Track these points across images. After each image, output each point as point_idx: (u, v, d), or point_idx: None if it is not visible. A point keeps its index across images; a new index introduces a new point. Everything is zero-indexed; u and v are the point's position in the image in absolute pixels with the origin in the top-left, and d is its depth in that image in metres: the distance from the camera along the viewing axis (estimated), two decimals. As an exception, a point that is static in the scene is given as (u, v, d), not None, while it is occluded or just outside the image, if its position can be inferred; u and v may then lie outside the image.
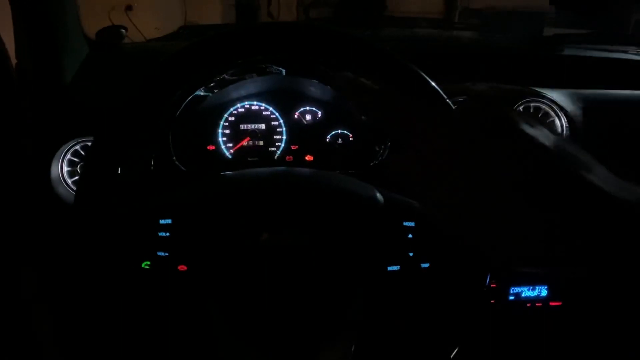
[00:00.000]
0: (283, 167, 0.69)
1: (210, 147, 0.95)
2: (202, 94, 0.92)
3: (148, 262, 0.59)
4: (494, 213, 0.38)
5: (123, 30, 1.14)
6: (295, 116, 0.99)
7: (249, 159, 0.97)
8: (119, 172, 0.77)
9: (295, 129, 0.98)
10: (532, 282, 0.96)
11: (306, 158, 0.99)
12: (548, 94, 0.99)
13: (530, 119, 0.41)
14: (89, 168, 0.57)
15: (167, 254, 0.59)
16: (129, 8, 2.66)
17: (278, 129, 0.98)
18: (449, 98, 0.92)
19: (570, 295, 0.97)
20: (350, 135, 0.98)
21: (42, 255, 0.89)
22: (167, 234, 0.59)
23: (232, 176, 0.65)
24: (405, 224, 0.63)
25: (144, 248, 0.58)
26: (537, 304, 0.96)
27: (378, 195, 0.64)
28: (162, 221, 0.59)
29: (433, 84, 0.62)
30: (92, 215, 0.56)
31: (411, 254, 0.63)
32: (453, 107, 0.58)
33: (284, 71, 0.94)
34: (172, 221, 0.59)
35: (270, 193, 0.62)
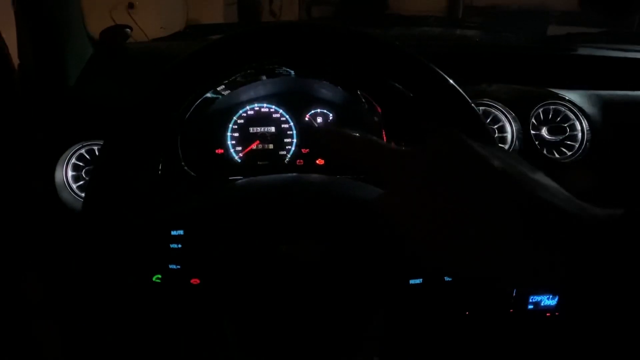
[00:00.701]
0: (295, 174, 0.66)
1: (219, 151, 0.92)
2: (211, 96, 0.89)
3: (159, 276, 0.56)
4: (478, 246, 0.38)
5: (128, 29, 1.10)
6: (306, 119, 0.96)
7: (258, 162, 0.94)
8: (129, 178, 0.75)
9: (306, 132, 0.95)
10: (552, 291, 0.93)
11: (317, 162, 0.96)
12: (566, 95, 0.96)
13: (484, 146, 0.42)
14: (98, 173, 0.54)
15: (179, 266, 0.56)
16: (130, 6, 2.64)
17: (288, 132, 0.95)
18: (473, 100, 0.90)
19: (590, 304, 0.94)
20: None
21: (46, 261, 0.86)
22: (179, 245, 0.56)
23: (244, 184, 0.62)
24: None
25: (155, 261, 0.55)
26: (556, 313, 0.93)
27: None
28: (173, 232, 0.56)
29: (452, 82, 0.60)
30: (101, 225, 0.53)
31: None
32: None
33: (292, 72, 0.92)
34: (184, 232, 0.56)
35: (285, 202, 0.59)
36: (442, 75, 0.60)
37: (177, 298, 0.57)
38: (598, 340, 0.99)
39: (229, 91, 0.90)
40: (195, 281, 0.56)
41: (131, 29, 1.11)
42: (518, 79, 1.01)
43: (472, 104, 0.60)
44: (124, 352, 0.56)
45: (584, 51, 1.20)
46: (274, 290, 0.57)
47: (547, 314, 0.92)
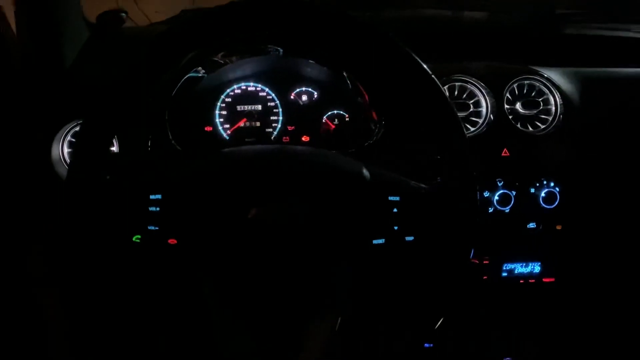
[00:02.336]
0: (271, 145, 0.70)
1: (208, 128, 0.97)
2: (198, 75, 0.93)
3: (139, 236, 0.61)
4: None
5: (123, 14, 1.15)
6: (292, 97, 1.00)
7: (246, 139, 0.98)
8: (111, 149, 0.80)
9: (292, 109, 0.99)
10: (526, 259, 0.97)
11: (303, 138, 1.00)
12: (545, 72, 0.99)
13: None
14: (77, 146, 0.59)
15: (157, 228, 0.61)
16: (138, -4, 2.68)
17: (274, 110, 0.99)
18: (447, 76, 0.94)
19: (564, 271, 0.98)
20: (347, 115, 0.99)
21: (46, 233, 0.91)
22: (157, 208, 0.61)
23: (218, 153, 0.67)
24: (391, 198, 0.65)
25: (135, 222, 0.60)
26: (530, 280, 0.97)
27: (365, 171, 0.66)
28: (152, 196, 0.61)
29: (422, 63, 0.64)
30: (82, 190, 0.58)
31: (396, 228, 0.64)
32: None
33: (281, 51, 0.95)
34: (161, 196, 0.61)
35: (256, 169, 0.63)
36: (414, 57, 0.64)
37: (156, 257, 0.62)
38: (578, 306, 1.04)
39: (216, 70, 0.94)
40: (172, 241, 0.61)
41: (126, 13, 1.15)
42: (505, 57, 1.04)
43: (437, 81, 0.64)
44: (109, 308, 0.61)
45: (564, 30, 1.22)
46: (246, 251, 0.62)
47: (521, 281, 0.96)
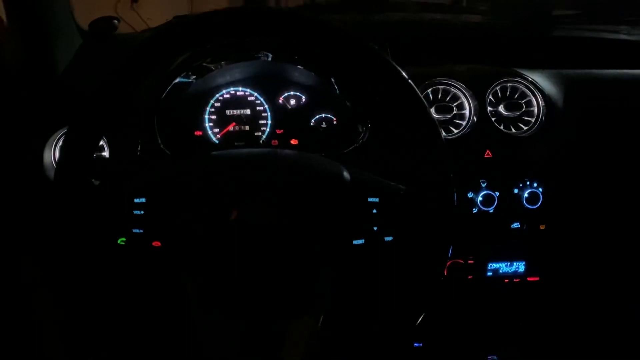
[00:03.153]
0: (253, 149, 0.72)
1: (198, 133, 0.99)
2: (187, 80, 0.95)
3: (124, 239, 0.62)
4: None
5: (116, 21, 1.17)
6: (280, 101, 1.01)
7: (235, 143, 1.00)
8: (102, 155, 0.81)
9: (280, 113, 1.01)
10: (510, 259, 0.98)
11: (291, 142, 1.01)
12: (528, 74, 1.01)
13: None
14: (62, 151, 0.61)
15: (141, 230, 0.62)
16: (134, 0, 2.71)
17: (263, 114, 1.01)
18: (430, 79, 0.96)
19: (548, 270, 1.00)
20: (334, 118, 1.01)
21: (39, 239, 0.93)
22: (142, 212, 0.63)
23: (197, 157, 0.69)
24: (370, 199, 0.66)
25: (120, 225, 0.62)
26: (514, 280, 0.98)
27: (345, 173, 0.67)
28: (136, 200, 0.63)
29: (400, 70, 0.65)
30: (67, 194, 0.60)
31: (375, 228, 0.66)
32: None
33: (270, 56, 0.97)
34: (146, 200, 0.63)
35: (238, 171, 0.65)
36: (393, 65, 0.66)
37: (140, 259, 0.64)
38: (563, 304, 1.05)
39: (205, 75, 0.96)
40: (156, 244, 0.63)
41: (119, 20, 1.17)
42: (486, 59, 1.06)
43: (413, 86, 0.66)
44: (96, 310, 0.63)
45: (547, 32, 1.24)
46: (229, 252, 0.64)
47: (506, 280, 0.98)
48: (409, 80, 0.66)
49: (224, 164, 0.67)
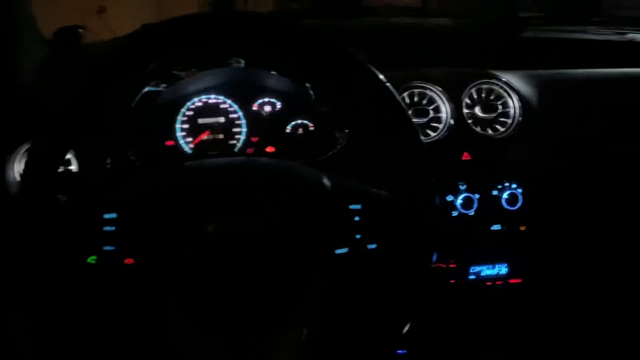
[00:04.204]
0: (229, 157, 0.70)
1: (169, 143, 0.95)
2: (157, 89, 0.92)
3: (94, 257, 0.59)
4: None
5: (81, 30, 1.13)
6: (254, 108, 0.99)
7: (209, 152, 0.97)
8: (70, 169, 0.78)
9: (255, 120, 0.98)
10: (492, 261, 0.98)
11: (267, 149, 0.99)
12: (503, 76, 1.01)
13: None
14: (26, 166, 0.58)
15: (113, 248, 0.59)
16: (101, 10, 2.66)
17: (237, 122, 0.98)
18: (406, 83, 0.95)
19: (530, 272, 0.99)
20: (311, 124, 0.99)
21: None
22: (113, 228, 0.59)
23: (173, 168, 0.66)
24: (352, 206, 0.65)
25: (89, 243, 0.59)
26: (497, 282, 0.98)
27: (325, 179, 0.65)
28: (107, 215, 0.59)
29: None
30: (32, 212, 0.56)
31: (358, 236, 0.64)
32: None
33: (243, 63, 0.95)
34: (117, 215, 0.60)
35: (213, 182, 0.62)
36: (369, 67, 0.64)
37: (113, 278, 0.60)
38: (546, 306, 1.05)
39: (175, 83, 0.93)
40: (129, 261, 0.60)
41: (84, 28, 1.14)
42: (460, 62, 1.06)
43: (392, 89, 0.65)
44: (65, 334, 0.60)
45: (527, 33, 1.25)
46: (208, 267, 0.61)
47: (488, 283, 0.97)
48: (388, 84, 0.65)
49: (199, 175, 0.65)
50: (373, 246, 0.65)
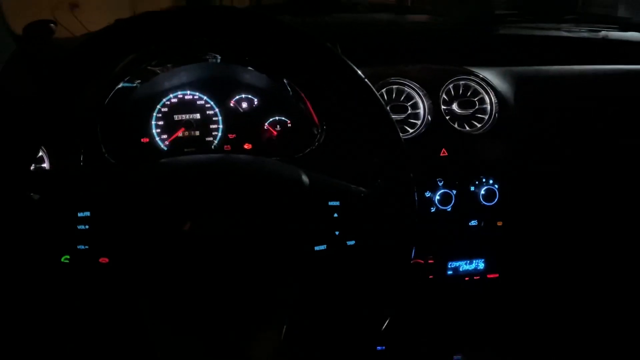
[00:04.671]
0: (205, 155, 0.68)
1: (144, 140, 0.94)
2: (131, 85, 0.90)
3: (67, 256, 0.58)
4: None
5: (52, 24, 1.10)
6: (231, 104, 0.98)
7: (185, 149, 0.96)
8: (42, 166, 0.76)
9: (232, 117, 0.97)
10: (470, 256, 0.98)
11: (245, 146, 0.98)
12: (480, 72, 1.01)
13: None
14: None
15: (87, 247, 0.58)
16: (73, 6, 2.60)
17: (214, 118, 0.97)
18: (384, 79, 0.95)
19: (507, 267, 1.00)
20: (288, 121, 0.98)
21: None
22: (87, 226, 0.58)
23: (148, 165, 0.65)
24: (331, 203, 0.64)
25: (63, 242, 0.57)
26: (475, 277, 0.98)
27: (303, 176, 0.65)
28: (80, 214, 0.58)
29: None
30: (3, 210, 0.55)
31: (337, 233, 0.64)
32: None
33: (219, 58, 0.94)
34: (90, 213, 0.58)
35: (189, 180, 0.61)
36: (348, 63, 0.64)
37: (87, 277, 0.59)
38: (522, 300, 1.06)
39: (150, 79, 0.91)
40: (104, 260, 0.59)
41: (55, 24, 1.11)
42: (437, 59, 1.06)
43: (370, 86, 0.64)
44: (38, 335, 0.58)
45: (503, 30, 1.26)
46: (184, 266, 0.60)
47: (466, 278, 0.98)
48: (365, 80, 0.64)
49: (175, 172, 0.63)
50: (352, 242, 0.65)
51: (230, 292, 0.62)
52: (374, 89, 0.65)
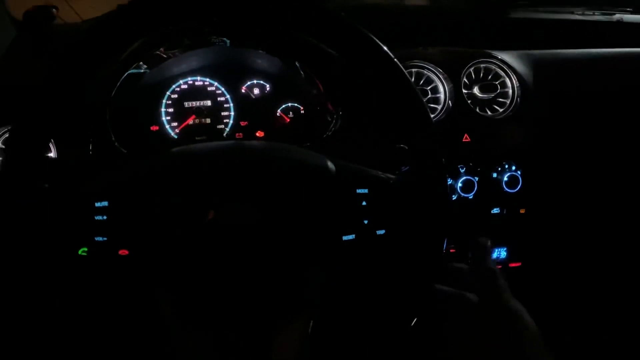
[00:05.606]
0: (228, 141, 0.65)
1: (154, 128, 0.90)
2: (140, 71, 0.87)
3: (85, 249, 0.54)
4: None
5: (54, 9, 1.06)
6: (243, 90, 0.95)
7: (196, 137, 0.92)
8: (49, 155, 0.73)
9: (244, 104, 0.94)
10: (492, 245, 0.95)
11: (257, 134, 0.95)
12: (499, 55, 0.98)
13: None
14: (7, 154, 0.53)
15: (105, 238, 0.54)
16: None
17: (225, 105, 0.94)
18: (403, 62, 0.91)
19: (530, 255, 0.98)
20: (301, 107, 0.95)
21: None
22: (105, 217, 0.55)
23: (169, 152, 0.61)
24: (359, 191, 0.61)
25: (80, 234, 0.54)
26: (497, 266, 0.95)
27: (329, 163, 0.62)
28: (97, 204, 0.55)
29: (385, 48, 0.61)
30: (16, 202, 0.51)
31: (366, 222, 0.61)
32: None
33: (228, 42, 0.90)
34: (108, 203, 0.55)
35: (213, 167, 0.58)
36: (376, 41, 0.61)
37: (106, 270, 0.56)
38: (545, 289, 1.04)
39: (159, 64, 0.88)
40: (123, 252, 0.55)
41: (57, 8, 1.07)
42: (455, 42, 1.03)
43: (404, 71, 0.61)
44: (57, 329, 0.55)
45: (517, 14, 1.23)
46: (207, 257, 0.57)
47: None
48: (396, 60, 0.61)
49: (197, 159, 0.60)
50: (382, 232, 0.62)
51: (255, 285, 0.59)
52: (405, 72, 0.61)
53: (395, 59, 0.61)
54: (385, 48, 0.61)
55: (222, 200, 0.57)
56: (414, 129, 0.62)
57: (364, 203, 0.61)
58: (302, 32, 0.61)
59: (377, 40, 0.61)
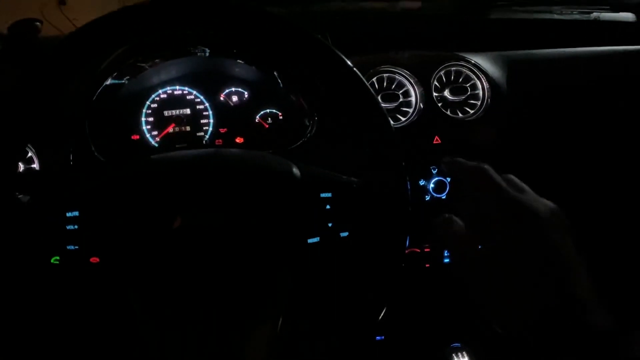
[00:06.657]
0: (193, 150, 0.68)
1: (135, 137, 0.93)
2: (119, 81, 0.89)
3: (57, 257, 0.57)
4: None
5: (38, 23, 1.09)
6: (221, 98, 0.97)
7: (176, 145, 0.95)
8: (32, 167, 0.75)
9: (223, 111, 0.96)
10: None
11: (236, 140, 0.97)
12: (472, 58, 1.00)
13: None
14: None
15: (77, 247, 0.57)
16: (62, 2, 2.57)
17: (204, 113, 0.96)
18: (374, 67, 0.94)
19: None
20: (280, 113, 0.98)
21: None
22: (76, 226, 0.57)
23: (136, 162, 0.64)
24: (323, 195, 0.63)
25: (52, 243, 0.57)
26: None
27: (294, 169, 0.64)
28: (69, 214, 0.57)
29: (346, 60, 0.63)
30: None
31: (330, 224, 0.63)
32: None
33: (207, 51, 0.93)
34: (79, 213, 0.57)
35: (178, 175, 0.61)
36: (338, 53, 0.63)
37: (78, 278, 0.58)
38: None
39: (138, 75, 0.90)
40: (94, 260, 0.58)
41: (41, 22, 1.10)
42: (430, 45, 1.05)
43: (359, 74, 0.64)
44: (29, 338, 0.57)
45: (495, 15, 1.24)
46: (174, 263, 0.59)
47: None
48: (354, 69, 0.63)
49: (163, 168, 0.63)
50: (345, 234, 0.64)
51: (223, 288, 0.61)
52: (364, 79, 0.64)
53: (353, 68, 0.63)
54: (343, 57, 0.63)
55: (187, 206, 0.59)
56: (373, 135, 0.64)
57: (328, 207, 0.63)
58: (263, 43, 0.64)
59: (335, 50, 0.63)
